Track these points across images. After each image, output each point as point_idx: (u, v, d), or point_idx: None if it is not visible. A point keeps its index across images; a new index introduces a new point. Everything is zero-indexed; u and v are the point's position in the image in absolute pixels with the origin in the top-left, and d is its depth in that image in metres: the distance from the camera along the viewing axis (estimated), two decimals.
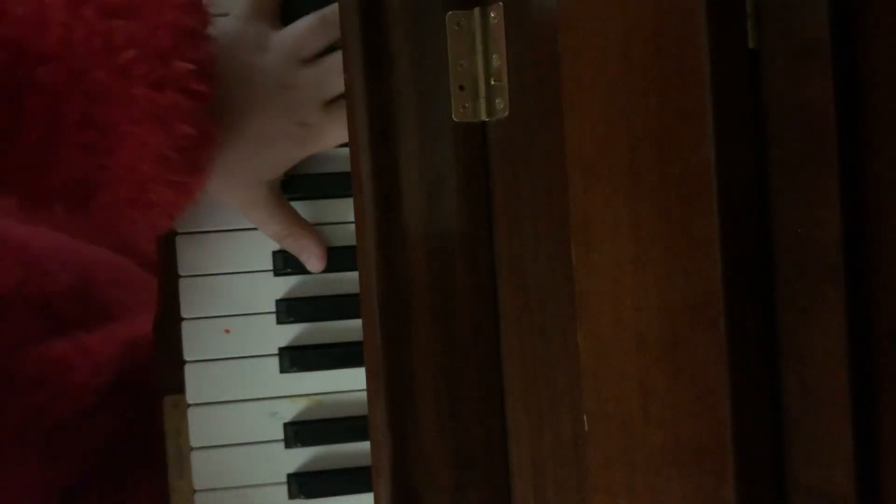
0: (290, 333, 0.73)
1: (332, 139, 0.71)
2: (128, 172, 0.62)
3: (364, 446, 0.72)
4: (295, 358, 0.72)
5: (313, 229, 0.72)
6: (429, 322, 0.58)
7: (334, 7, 0.71)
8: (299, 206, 0.73)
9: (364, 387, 0.59)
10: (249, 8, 0.71)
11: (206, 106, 0.63)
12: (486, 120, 0.58)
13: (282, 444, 0.73)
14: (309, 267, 0.73)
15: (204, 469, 0.72)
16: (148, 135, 0.61)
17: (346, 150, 0.70)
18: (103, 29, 0.60)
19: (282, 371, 0.73)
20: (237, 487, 0.72)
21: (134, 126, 0.61)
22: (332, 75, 0.70)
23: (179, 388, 0.72)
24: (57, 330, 0.76)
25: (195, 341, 0.72)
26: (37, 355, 0.74)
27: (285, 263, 0.72)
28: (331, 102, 0.71)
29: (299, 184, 0.73)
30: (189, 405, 0.72)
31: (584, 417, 0.49)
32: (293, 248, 0.72)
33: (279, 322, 0.73)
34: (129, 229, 0.66)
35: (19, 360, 0.72)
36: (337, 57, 0.70)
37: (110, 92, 0.60)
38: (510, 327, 0.58)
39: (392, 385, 0.57)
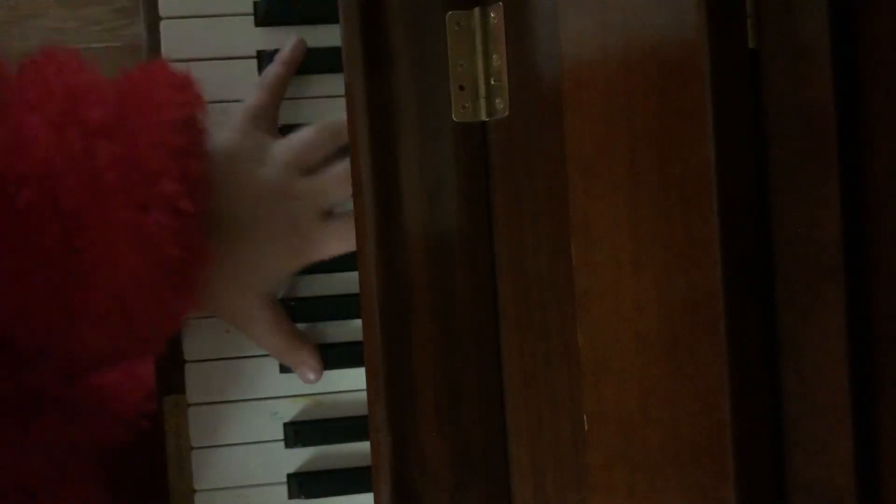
0: None
1: (329, 249, 0.70)
2: (111, 301, 0.60)
3: (364, 446, 0.72)
4: None
5: (310, 343, 0.72)
6: (429, 322, 0.58)
7: (335, 120, 0.71)
8: None
9: (364, 387, 0.59)
10: (247, 120, 0.70)
11: (196, 224, 0.62)
12: (486, 120, 0.58)
13: (282, 444, 0.73)
14: (304, 380, 0.72)
15: (204, 469, 0.72)
16: (132, 260, 0.59)
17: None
18: (86, 150, 0.59)
19: (282, 371, 0.73)
20: (237, 487, 0.72)
21: (116, 251, 0.59)
22: (333, 186, 0.69)
23: (179, 388, 0.72)
24: (105, 360, 0.75)
25: (195, 341, 0.72)
26: (92, 386, 0.74)
27: None
28: (329, 213, 0.70)
29: None
30: (189, 405, 0.72)
31: (584, 417, 0.49)
32: (290, 363, 0.71)
33: None
34: (117, 358, 0.64)
35: (76, 391, 0.72)
36: (338, 168, 0.70)
37: (91, 216, 0.58)
38: (510, 327, 0.58)
39: (392, 385, 0.57)
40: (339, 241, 0.70)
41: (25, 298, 0.59)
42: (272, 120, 0.71)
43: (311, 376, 0.71)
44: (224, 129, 0.69)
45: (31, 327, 0.60)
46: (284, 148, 0.70)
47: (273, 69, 0.72)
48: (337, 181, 0.69)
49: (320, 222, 0.69)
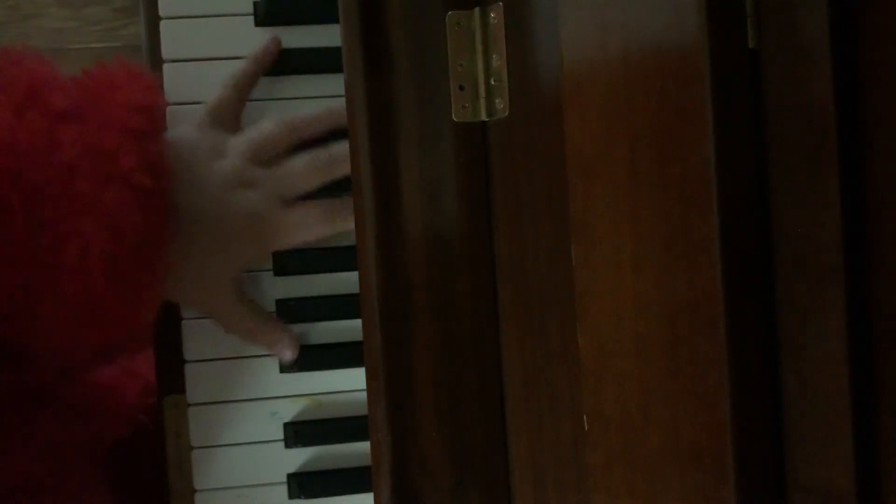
0: None
1: (292, 237, 0.70)
2: (74, 276, 0.61)
3: (364, 446, 0.72)
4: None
5: (280, 322, 0.72)
6: (429, 322, 0.58)
7: (295, 114, 0.71)
8: None
9: (364, 387, 0.59)
10: (207, 116, 0.71)
11: (156, 203, 0.63)
12: (486, 120, 0.58)
13: (282, 444, 0.73)
14: (282, 359, 0.72)
15: (204, 469, 0.72)
16: (95, 235, 0.60)
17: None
18: (48, 129, 0.60)
19: (282, 371, 0.73)
20: (237, 487, 0.72)
21: (79, 227, 0.60)
22: (292, 176, 0.70)
23: (179, 388, 0.72)
24: (102, 356, 0.76)
25: (195, 341, 0.72)
26: (89, 382, 0.74)
27: (285, 263, 0.72)
28: (291, 203, 0.70)
29: None
30: (189, 405, 0.72)
31: (584, 417, 0.49)
32: (264, 344, 0.72)
33: None
34: (84, 337, 0.64)
35: (74, 388, 0.72)
36: (297, 160, 0.70)
37: (52, 191, 0.60)
38: (510, 327, 0.58)
39: (392, 385, 0.57)
40: (302, 228, 0.70)
41: None
42: (234, 117, 0.72)
43: (288, 353, 0.71)
44: (182, 126, 0.70)
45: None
46: (242, 140, 0.70)
47: (242, 66, 0.72)
48: (296, 172, 0.70)
49: (281, 210, 0.70)
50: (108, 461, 0.74)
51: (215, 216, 0.68)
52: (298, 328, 0.73)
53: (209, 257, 0.68)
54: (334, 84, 0.73)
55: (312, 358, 0.73)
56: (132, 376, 0.77)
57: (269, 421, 0.73)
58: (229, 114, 0.71)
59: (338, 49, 0.60)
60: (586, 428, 0.49)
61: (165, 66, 0.72)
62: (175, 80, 0.72)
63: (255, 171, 0.70)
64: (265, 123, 0.71)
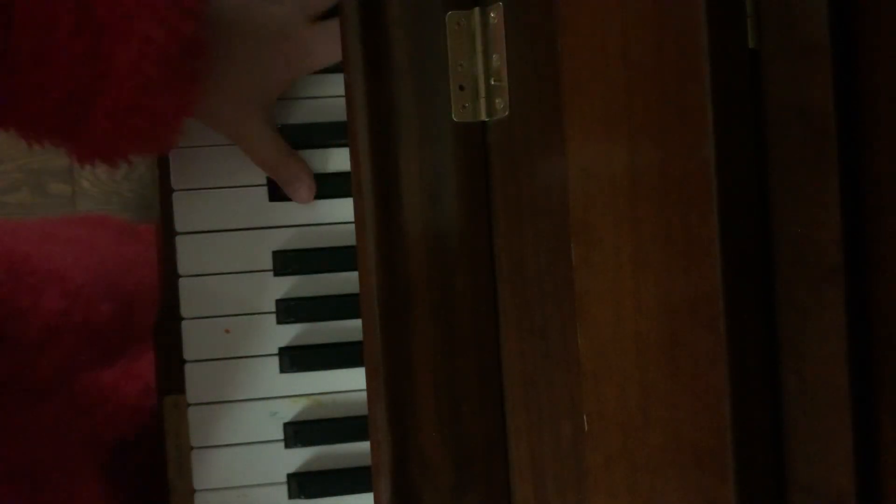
0: (290, 333, 0.73)
1: (320, 56, 0.70)
2: (131, 75, 0.60)
3: (364, 446, 0.72)
4: (295, 358, 0.72)
5: (303, 160, 0.71)
6: (429, 322, 0.58)
7: None
8: (299, 206, 0.73)
9: (364, 387, 0.59)
10: None
11: (200, 10, 0.62)
12: (486, 120, 0.58)
13: (282, 444, 0.73)
14: (298, 197, 0.71)
15: (204, 469, 0.72)
16: (150, 30, 0.60)
17: (346, 150, 0.70)
18: None
19: (282, 371, 0.73)
20: (237, 487, 0.72)
21: (133, 23, 0.59)
22: None
23: (179, 388, 0.72)
24: (103, 358, 0.76)
25: (195, 341, 0.72)
26: (90, 382, 0.74)
27: (285, 263, 0.72)
28: (319, 19, 0.70)
29: None
30: (189, 405, 0.72)
31: (584, 417, 0.49)
32: (283, 176, 0.71)
33: (279, 322, 0.73)
34: (130, 142, 0.64)
35: (76, 387, 0.72)
36: None
37: None
38: (510, 327, 0.58)
39: (392, 385, 0.57)
40: (330, 44, 0.69)
41: (46, 89, 0.59)
42: None
43: (306, 194, 0.71)
44: None
45: (51, 113, 0.60)
46: None
47: None
48: None
49: (308, 25, 0.69)
50: (108, 461, 0.74)
51: (242, 28, 0.68)
52: (298, 328, 0.73)
53: (237, 73, 0.68)
54: (334, 84, 0.73)
55: (312, 358, 0.73)
56: (133, 378, 0.77)
57: (269, 421, 0.73)
58: None
59: None
60: (586, 428, 0.49)
61: None
62: None
63: None
64: None
